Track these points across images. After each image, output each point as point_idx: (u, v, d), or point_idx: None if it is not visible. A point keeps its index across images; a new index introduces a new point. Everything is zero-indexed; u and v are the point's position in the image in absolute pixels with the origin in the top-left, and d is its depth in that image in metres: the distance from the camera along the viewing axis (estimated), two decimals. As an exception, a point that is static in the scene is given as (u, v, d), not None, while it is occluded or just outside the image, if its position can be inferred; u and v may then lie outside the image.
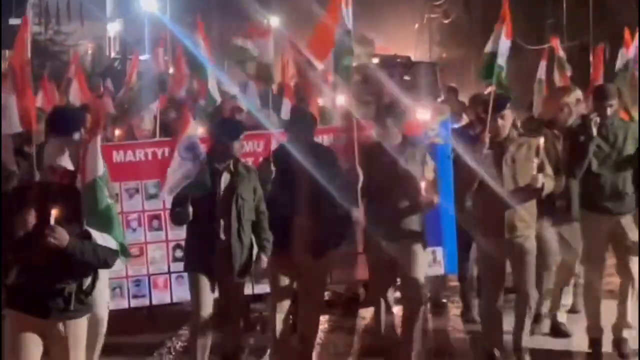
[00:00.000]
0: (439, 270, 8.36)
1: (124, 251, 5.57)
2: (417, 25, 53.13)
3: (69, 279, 5.31)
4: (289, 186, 7.11)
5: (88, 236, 5.25)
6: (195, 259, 7.04)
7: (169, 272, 8.02)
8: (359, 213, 7.38)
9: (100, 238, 5.30)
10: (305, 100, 10.30)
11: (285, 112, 10.11)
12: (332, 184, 7.08)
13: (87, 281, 5.41)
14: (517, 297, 7.53)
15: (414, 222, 7.34)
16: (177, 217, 6.98)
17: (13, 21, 27.13)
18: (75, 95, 10.71)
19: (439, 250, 8.20)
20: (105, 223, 5.39)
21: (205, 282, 6.95)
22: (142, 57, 19.69)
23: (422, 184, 7.13)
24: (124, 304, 7.96)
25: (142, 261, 7.93)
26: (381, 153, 7.34)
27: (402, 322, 7.52)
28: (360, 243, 7.83)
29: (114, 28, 34.45)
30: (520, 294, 7.47)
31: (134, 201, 7.93)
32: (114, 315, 7.19)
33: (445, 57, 48.80)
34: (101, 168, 5.49)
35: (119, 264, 7.35)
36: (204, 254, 6.94)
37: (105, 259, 5.36)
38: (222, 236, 6.89)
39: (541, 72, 9.73)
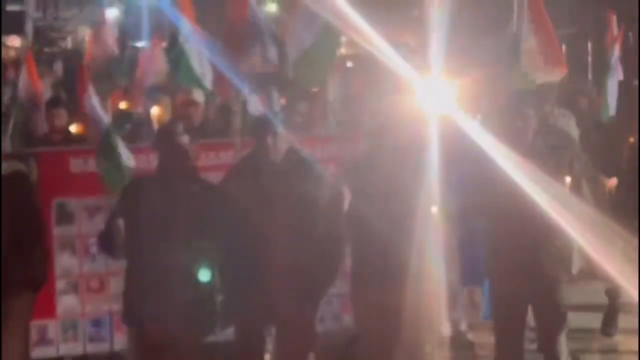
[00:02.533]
0: (478, 315, 6.77)
1: None
2: (417, 12, 52.64)
3: None
4: (260, 212, 5.31)
5: None
6: (136, 307, 5.20)
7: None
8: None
9: None
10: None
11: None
12: (315, 206, 5.34)
13: None
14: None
15: (413, 267, 5.24)
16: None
17: (11, 7, 26.19)
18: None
19: (478, 291, 6.61)
20: None
21: (150, 342, 5.13)
22: (140, 44, 18.35)
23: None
24: (77, 348, 6.46)
25: (103, 296, 6.43)
26: (369, 171, 5.39)
27: None
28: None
29: (112, 13, 33.68)
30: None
31: (95, 222, 6.24)
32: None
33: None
34: None
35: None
36: (148, 299, 5.07)
37: None
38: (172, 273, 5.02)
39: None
